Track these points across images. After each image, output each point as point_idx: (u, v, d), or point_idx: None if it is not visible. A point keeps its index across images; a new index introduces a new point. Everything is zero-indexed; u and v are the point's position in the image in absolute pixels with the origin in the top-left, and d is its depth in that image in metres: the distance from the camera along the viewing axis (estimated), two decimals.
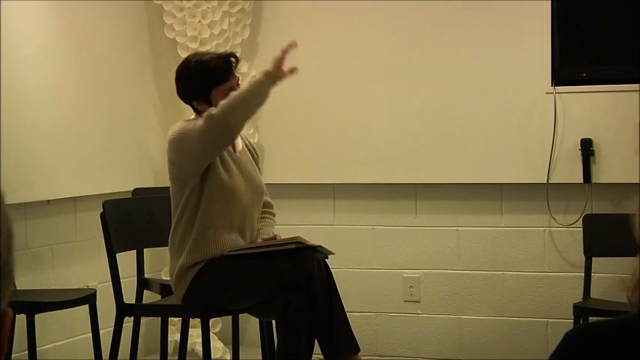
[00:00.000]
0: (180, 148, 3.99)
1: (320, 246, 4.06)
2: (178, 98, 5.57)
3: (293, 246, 3.98)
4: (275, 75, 3.92)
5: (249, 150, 4.29)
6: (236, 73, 4.11)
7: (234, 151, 4.17)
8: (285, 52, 3.96)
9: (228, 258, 4.04)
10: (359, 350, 4.03)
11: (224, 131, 3.92)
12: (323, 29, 5.50)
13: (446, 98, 5.31)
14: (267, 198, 4.32)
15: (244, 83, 4.20)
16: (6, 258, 1.18)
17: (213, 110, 3.91)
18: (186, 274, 4.06)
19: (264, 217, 4.28)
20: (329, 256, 4.07)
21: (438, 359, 5.41)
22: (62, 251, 4.97)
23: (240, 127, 3.97)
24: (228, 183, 4.05)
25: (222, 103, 3.90)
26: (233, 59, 4.10)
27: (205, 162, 4.00)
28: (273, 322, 4.09)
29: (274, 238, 4.17)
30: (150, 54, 5.57)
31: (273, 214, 4.33)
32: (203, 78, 4.05)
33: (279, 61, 3.93)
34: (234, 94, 3.93)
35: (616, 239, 4.69)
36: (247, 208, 4.13)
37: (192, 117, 4.13)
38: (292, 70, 3.97)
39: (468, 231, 5.35)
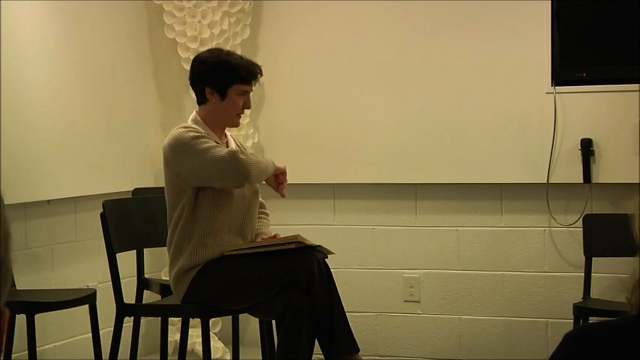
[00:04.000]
0: (185, 159, 3.98)
1: (320, 245, 4.06)
2: (178, 98, 5.59)
3: (293, 246, 3.98)
4: (272, 173, 4.14)
5: (242, 151, 4.29)
6: (254, 85, 4.16)
7: None
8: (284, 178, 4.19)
9: (228, 258, 4.04)
10: (358, 350, 4.04)
11: (240, 178, 3.98)
12: (323, 29, 5.50)
13: (446, 98, 5.31)
14: (260, 198, 4.32)
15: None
16: (3, 258, 1.18)
17: (243, 155, 3.99)
18: (186, 275, 4.06)
19: (259, 218, 4.28)
20: (329, 256, 4.07)
21: (438, 359, 5.41)
22: (62, 251, 4.97)
23: (251, 180, 4.05)
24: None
25: (252, 156, 4.06)
26: (259, 71, 4.15)
27: (203, 184, 4.02)
28: (273, 322, 4.09)
29: (274, 237, 4.17)
30: (150, 54, 5.57)
31: (267, 214, 4.35)
32: (230, 69, 4.07)
33: (279, 178, 4.17)
34: (257, 157, 4.13)
35: (616, 239, 4.69)
36: (246, 209, 4.13)
37: (189, 122, 4.12)
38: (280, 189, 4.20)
39: (468, 231, 5.35)
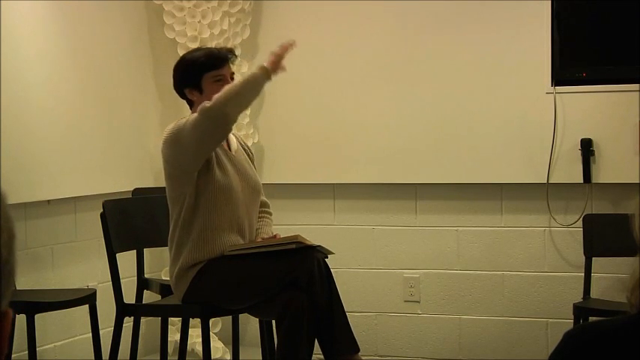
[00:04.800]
0: (176, 144, 4.00)
1: (320, 246, 4.06)
2: (178, 98, 5.58)
3: (293, 246, 3.98)
4: (271, 71, 4.00)
5: (244, 149, 4.30)
6: (231, 67, 4.14)
7: (230, 150, 4.18)
8: (284, 49, 4.04)
9: (228, 258, 4.04)
10: (359, 350, 4.04)
11: (220, 121, 3.92)
12: (323, 29, 5.50)
13: (446, 98, 5.31)
14: (264, 197, 4.32)
15: (239, 78, 4.22)
16: (7, 258, 1.18)
17: (207, 103, 3.94)
18: (186, 274, 4.06)
19: (261, 217, 4.28)
20: (329, 256, 4.07)
21: (438, 359, 5.41)
22: (62, 251, 4.97)
23: (235, 118, 3.98)
24: (224, 183, 4.05)
25: (217, 95, 3.93)
26: (229, 53, 4.15)
27: (201, 157, 4.00)
28: (274, 322, 4.09)
29: (274, 237, 4.17)
30: (150, 54, 5.57)
31: (271, 214, 4.35)
32: (194, 64, 4.10)
33: (278, 58, 4.01)
34: (228, 86, 3.97)
35: (616, 239, 4.69)
36: (245, 207, 4.13)
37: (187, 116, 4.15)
38: (282, 69, 4.06)
39: (468, 231, 5.35)
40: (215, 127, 3.94)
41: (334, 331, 3.96)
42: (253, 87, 3.99)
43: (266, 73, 3.99)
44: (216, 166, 4.07)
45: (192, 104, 4.15)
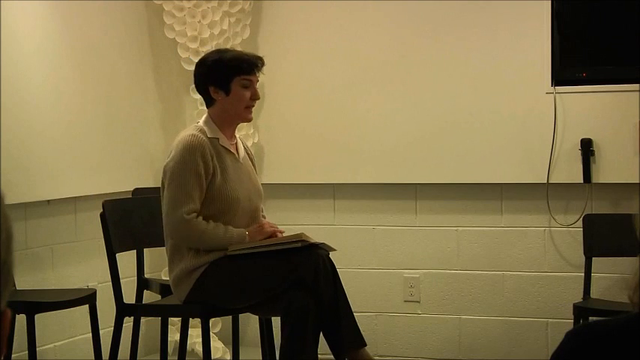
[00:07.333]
0: (169, 184, 4.01)
1: (323, 243, 4.07)
2: (178, 98, 5.59)
3: (299, 244, 3.98)
4: (249, 238, 4.06)
5: (247, 154, 4.30)
6: (257, 74, 4.14)
7: (239, 158, 4.17)
8: (274, 233, 4.12)
9: (231, 257, 4.03)
10: (365, 344, 4.05)
11: (180, 239, 4.03)
12: (323, 29, 5.50)
13: (446, 98, 5.31)
14: None
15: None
16: (5, 258, 1.18)
17: (194, 221, 3.95)
18: (190, 277, 4.05)
19: None
20: (331, 253, 4.09)
21: (438, 359, 5.41)
22: (62, 251, 4.97)
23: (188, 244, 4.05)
24: (230, 194, 4.04)
25: (198, 229, 3.96)
26: (259, 61, 4.14)
27: None
28: (274, 321, 4.09)
29: (276, 235, 4.15)
30: (150, 54, 5.56)
31: (264, 217, 4.35)
32: (229, 63, 4.08)
33: (264, 235, 4.09)
34: (210, 231, 3.97)
35: (616, 239, 4.69)
36: (252, 214, 4.14)
37: (201, 123, 4.11)
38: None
39: (468, 231, 5.35)
40: (176, 237, 4.04)
41: (340, 325, 3.97)
42: (220, 243, 4.02)
43: (242, 238, 4.05)
44: (224, 180, 4.05)
45: (211, 102, 4.14)
